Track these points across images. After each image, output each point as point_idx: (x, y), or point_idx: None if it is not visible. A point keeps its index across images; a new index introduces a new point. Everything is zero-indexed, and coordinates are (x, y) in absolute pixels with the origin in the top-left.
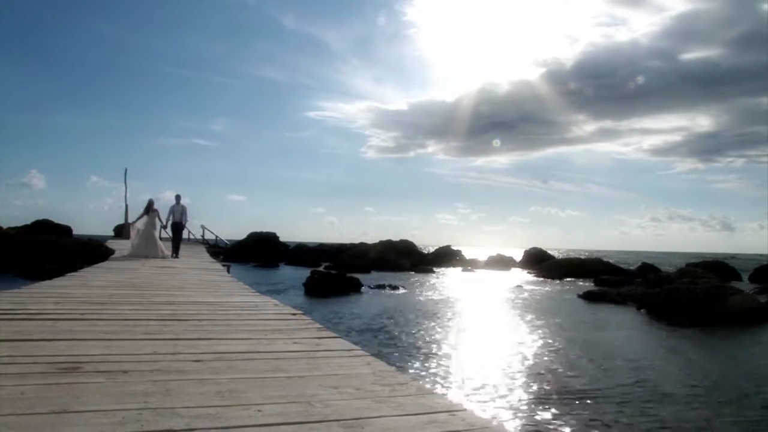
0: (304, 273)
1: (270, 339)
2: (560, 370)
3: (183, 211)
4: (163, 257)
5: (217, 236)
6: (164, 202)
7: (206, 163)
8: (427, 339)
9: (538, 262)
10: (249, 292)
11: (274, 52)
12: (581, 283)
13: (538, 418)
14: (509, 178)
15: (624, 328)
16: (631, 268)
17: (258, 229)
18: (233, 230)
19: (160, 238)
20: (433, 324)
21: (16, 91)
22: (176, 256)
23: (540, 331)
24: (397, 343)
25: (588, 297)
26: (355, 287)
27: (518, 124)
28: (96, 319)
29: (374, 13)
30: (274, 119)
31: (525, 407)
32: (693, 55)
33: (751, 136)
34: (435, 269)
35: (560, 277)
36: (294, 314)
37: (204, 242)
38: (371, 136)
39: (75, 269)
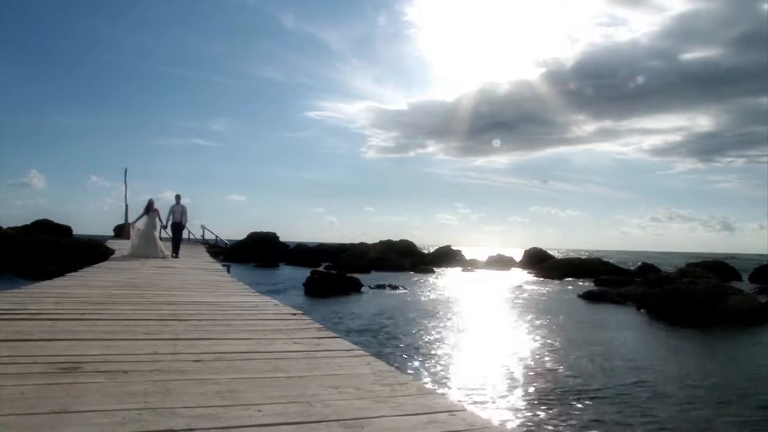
0: (304, 273)
1: (270, 339)
2: (560, 370)
3: (183, 211)
4: (163, 257)
5: (217, 236)
6: (164, 202)
7: (206, 163)
8: (427, 339)
9: (538, 262)
10: (249, 292)
11: (274, 52)
12: (581, 283)
13: (538, 418)
14: (509, 178)
15: (624, 328)
16: (631, 268)
17: (258, 229)
18: (233, 230)
19: (161, 238)
20: (433, 324)
21: (16, 91)
22: (176, 256)
23: (540, 331)
24: (397, 343)
25: (588, 297)
26: (355, 287)
27: (518, 124)
28: (96, 319)
29: (374, 13)
30: (274, 119)
31: (525, 407)
32: (693, 55)
33: (751, 136)
34: (435, 269)
35: (560, 277)
36: (294, 314)
37: (204, 242)
38: (371, 136)
39: (75, 269)
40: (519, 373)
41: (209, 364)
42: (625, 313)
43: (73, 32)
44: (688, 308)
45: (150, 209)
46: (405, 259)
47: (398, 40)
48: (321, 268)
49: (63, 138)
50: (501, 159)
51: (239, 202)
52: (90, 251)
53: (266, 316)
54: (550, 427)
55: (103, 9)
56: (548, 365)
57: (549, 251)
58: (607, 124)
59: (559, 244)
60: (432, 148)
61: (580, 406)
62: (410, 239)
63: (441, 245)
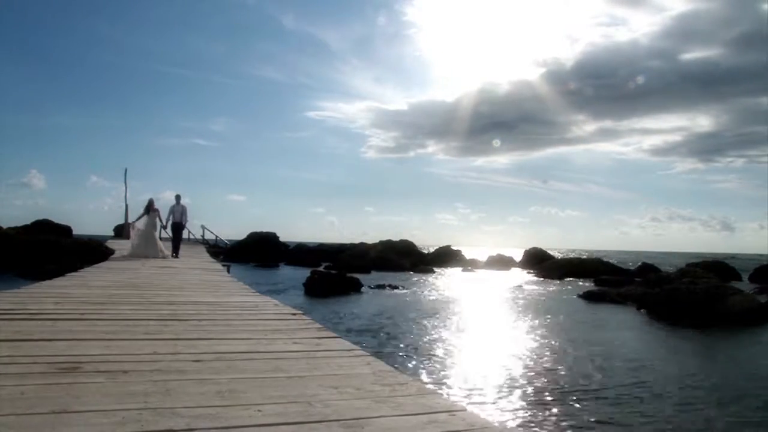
0: (304, 273)
1: (270, 339)
2: (560, 370)
3: (183, 211)
4: (163, 257)
5: (217, 236)
6: (164, 202)
7: (206, 163)
8: (427, 339)
9: (538, 262)
10: (249, 292)
11: (274, 52)
12: (581, 283)
13: (538, 418)
14: (509, 178)
15: (624, 328)
16: (631, 268)
17: (258, 229)
18: (233, 230)
19: (161, 238)
20: (433, 324)
21: (16, 91)
22: (176, 256)
23: (540, 331)
24: (397, 343)
25: (588, 297)
26: (355, 287)
27: (518, 124)
28: (96, 319)
29: (374, 13)
30: (274, 119)
31: (525, 407)
32: (693, 55)
33: (751, 136)
34: (435, 269)
35: (560, 277)
36: (294, 314)
37: (204, 242)
38: (371, 136)
39: (75, 269)
40: (519, 373)
41: (209, 364)
42: (625, 313)
43: (73, 32)
44: (688, 308)
45: (150, 209)
46: (405, 259)
47: (398, 40)
48: (321, 268)
49: (63, 138)
50: (501, 159)
51: (239, 202)
52: (90, 251)
53: (266, 316)
54: (550, 427)
55: (103, 9)
56: (548, 365)
57: (549, 251)
58: (607, 124)
59: (559, 244)
60: (432, 148)
61: (580, 406)
62: (410, 239)
63: (441, 245)
